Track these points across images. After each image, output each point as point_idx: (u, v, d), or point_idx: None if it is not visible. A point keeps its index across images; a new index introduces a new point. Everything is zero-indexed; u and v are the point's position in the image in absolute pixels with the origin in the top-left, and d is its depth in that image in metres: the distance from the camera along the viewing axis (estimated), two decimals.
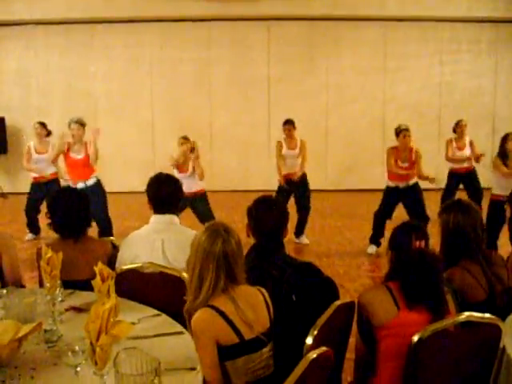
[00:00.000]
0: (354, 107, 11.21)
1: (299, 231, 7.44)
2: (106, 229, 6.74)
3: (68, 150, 6.79)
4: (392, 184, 6.93)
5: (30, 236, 7.62)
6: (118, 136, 10.80)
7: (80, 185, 6.64)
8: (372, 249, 7.02)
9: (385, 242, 6.74)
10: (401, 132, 6.81)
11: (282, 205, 2.99)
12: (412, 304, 2.45)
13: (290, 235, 7.02)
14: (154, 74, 11.25)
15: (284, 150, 7.41)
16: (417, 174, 6.84)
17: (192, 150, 6.94)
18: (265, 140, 11.07)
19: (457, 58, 11.18)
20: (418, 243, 2.61)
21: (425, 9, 10.62)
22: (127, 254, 3.30)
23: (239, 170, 11.17)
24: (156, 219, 3.39)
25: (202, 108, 11.15)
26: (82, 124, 6.81)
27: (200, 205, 6.95)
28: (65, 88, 11.18)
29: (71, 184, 6.70)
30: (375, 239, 7.04)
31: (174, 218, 3.42)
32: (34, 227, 7.63)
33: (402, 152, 6.84)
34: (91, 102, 11.07)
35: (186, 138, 6.98)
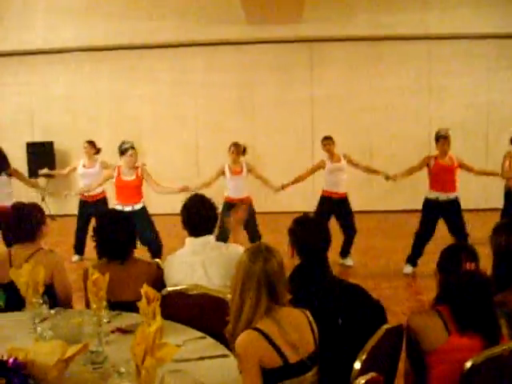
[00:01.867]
0: (398, 127, 11.07)
1: (345, 252, 7.34)
2: (157, 251, 6.76)
3: (119, 173, 6.83)
4: (432, 196, 6.78)
5: (76, 258, 7.74)
6: (162, 158, 10.93)
7: (127, 208, 6.69)
8: (408, 269, 6.86)
9: (422, 262, 6.71)
10: (439, 138, 6.73)
11: (324, 223, 2.96)
12: (463, 329, 2.37)
13: (334, 256, 6.95)
14: (198, 97, 11.38)
15: (328, 164, 7.34)
16: (477, 172, 6.91)
17: (243, 150, 7.28)
18: (308, 162, 10.94)
19: (504, 76, 10.93)
20: (468, 265, 2.53)
21: (469, 26, 10.45)
22: (173, 278, 3.30)
23: (283, 192, 11.11)
24: (191, 241, 3.39)
25: (246, 131, 11.17)
26: (134, 148, 6.84)
27: (249, 215, 6.90)
28: (111, 112, 11.44)
29: (119, 207, 6.80)
30: (412, 259, 6.88)
31: (209, 238, 3.39)
32: (79, 248, 7.75)
33: (441, 159, 6.76)
34: (137, 125, 11.27)
35: (235, 144, 7.26)
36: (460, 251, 2.66)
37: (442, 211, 6.73)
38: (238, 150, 7.24)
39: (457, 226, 6.64)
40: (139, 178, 6.85)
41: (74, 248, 7.80)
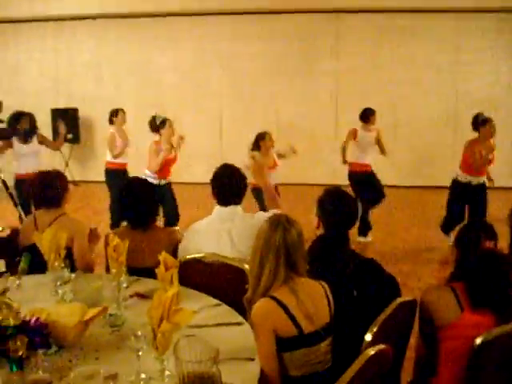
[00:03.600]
0: (424, 101, 10.91)
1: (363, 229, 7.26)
2: (172, 221, 6.81)
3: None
4: (464, 179, 6.56)
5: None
6: (186, 127, 10.93)
7: (163, 182, 6.74)
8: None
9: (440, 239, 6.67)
10: (486, 122, 6.42)
11: (353, 197, 2.96)
12: (477, 306, 2.39)
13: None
14: (223, 66, 11.34)
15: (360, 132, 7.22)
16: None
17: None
18: (332, 133, 10.97)
19: None
20: (487, 243, 2.52)
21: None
22: (192, 245, 3.33)
23: (305, 163, 11.09)
24: (219, 210, 3.41)
25: (270, 101, 11.15)
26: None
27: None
28: (136, 80, 11.45)
29: (153, 180, 6.59)
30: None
31: (238, 208, 3.41)
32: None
33: (484, 143, 6.44)
34: (160, 93, 11.29)
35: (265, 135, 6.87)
36: (479, 229, 2.65)
37: (470, 196, 6.55)
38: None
39: (479, 214, 6.38)
40: (176, 154, 6.87)
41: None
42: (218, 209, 3.42)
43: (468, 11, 10.55)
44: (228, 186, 3.39)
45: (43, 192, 3.57)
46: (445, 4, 10.37)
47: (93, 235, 3.60)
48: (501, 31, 10.67)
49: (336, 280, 2.53)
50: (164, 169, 6.77)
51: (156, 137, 6.78)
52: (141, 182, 3.60)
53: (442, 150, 10.64)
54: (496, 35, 10.67)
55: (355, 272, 2.64)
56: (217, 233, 3.32)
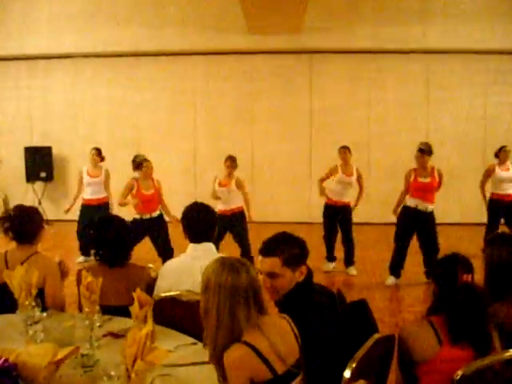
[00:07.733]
0: (396, 139, 11.05)
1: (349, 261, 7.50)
2: (167, 257, 6.78)
3: (138, 187, 6.94)
4: (412, 203, 6.73)
5: (81, 258, 7.71)
6: (160, 166, 10.90)
7: (146, 216, 6.92)
8: (391, 280, 6.88)
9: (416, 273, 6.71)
10: (417, 152, 6.77)
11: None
12: (456, 339, 2.37)
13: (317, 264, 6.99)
14: (198, 106, 11.40)
15: (339, 175, 7.36)
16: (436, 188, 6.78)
17: (233, 165, 7.22)
18: (306, 172, 11.04)
19: (502, 90, 10.97)
20: (465, 276, 2.52)
21: (468, 41, 10.52)
22: (166, 283, 3.29)
23: (281, 202, 11.13)
24: (193, 247, 3.40)
25: (244, 140, 11.21)
26: (148, 161, 7.06)
27: (238, 224, 7.12)
28: (110, 118, 11.42)
29: (139, 216, 6.93)
30: (395, 269, 6.90)
31: (211, 246, 3.43)
32: (86, 249, 7.70)
33: (422, 171, 6.75)
34: (136, 132, 11.29)
35: (230, 158, 7.27)
36: (456, 262, 2.65)
37: (418, 222, 6.74)
38: (233, 164, 7.25)
39: (429, 241, 6.71)
40: (157, 191, 7.07)
41: (80, 250, 7.82)
42: (191, 246, 3.42)
43: (438, 52, 10.84)
44: (198, 223, 3.41)
45: (20, 227, 3.46)
46: (416, 45, 10.65)
47: (61, 270, 3.49)
48: (468, 70, 10.97)
49: (313, 318, 2.50)
50: (143, 205, 6.93)
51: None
52: (110, 218, 3.56)
53: None
54: (466, 74, 10.96)
55: (347, 313, 2.61)
56: (191, 269, 3.27)
